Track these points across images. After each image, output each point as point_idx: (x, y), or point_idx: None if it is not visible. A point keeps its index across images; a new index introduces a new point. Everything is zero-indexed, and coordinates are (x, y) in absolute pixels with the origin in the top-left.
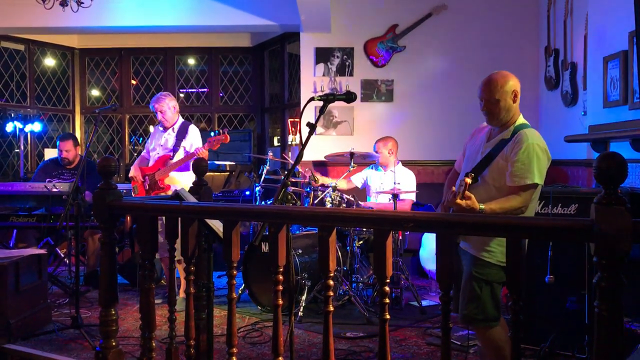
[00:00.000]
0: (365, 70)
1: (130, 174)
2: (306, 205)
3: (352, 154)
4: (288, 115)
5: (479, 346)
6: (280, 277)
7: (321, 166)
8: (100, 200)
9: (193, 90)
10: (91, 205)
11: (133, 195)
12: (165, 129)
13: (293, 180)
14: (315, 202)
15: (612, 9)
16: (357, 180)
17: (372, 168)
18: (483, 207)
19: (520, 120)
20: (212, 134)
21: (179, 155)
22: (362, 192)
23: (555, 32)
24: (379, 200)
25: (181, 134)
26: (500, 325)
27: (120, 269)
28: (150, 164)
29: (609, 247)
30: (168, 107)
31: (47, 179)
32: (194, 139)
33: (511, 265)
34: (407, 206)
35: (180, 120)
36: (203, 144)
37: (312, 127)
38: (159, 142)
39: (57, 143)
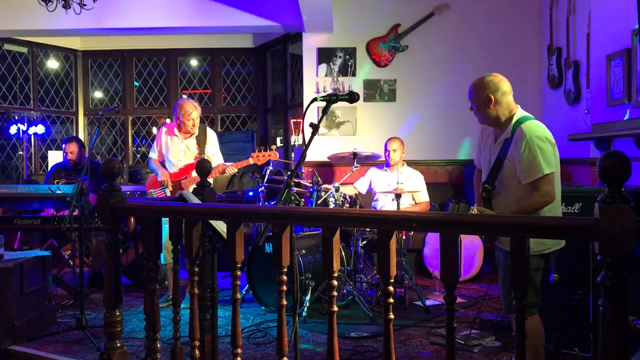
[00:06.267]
0: (368, 70)
1: (161, 179)
2: (309, 205)
3: (355, 154)
4: (291, 116)
5: (483, 346)
6: (284, 278)
7: (324, 167)
8: (104, 202)
9: (196, 91)
10: (95, 207)
11: None
12: (188, 135)
13: (296, 180)
14: (319, 202)
15: (615, 7)
16: (362, 186)
17: (376, 168)
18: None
19: (518, 114)
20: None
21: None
22: (366, 195)
23: (558, 31)
24: (384, 202)
25: (202, 140)
26: (537, 317)
27: (124, 270)
28: (173, 170)
29: (613, 246)
30: (200, 114)
31: (55, 182)
32: (214, 144)
33: (515, 264)
34: (426, 208)
35: None
36: (247, 157)
37: (314, 128)
38: (180, 149)
39: (62, 146)
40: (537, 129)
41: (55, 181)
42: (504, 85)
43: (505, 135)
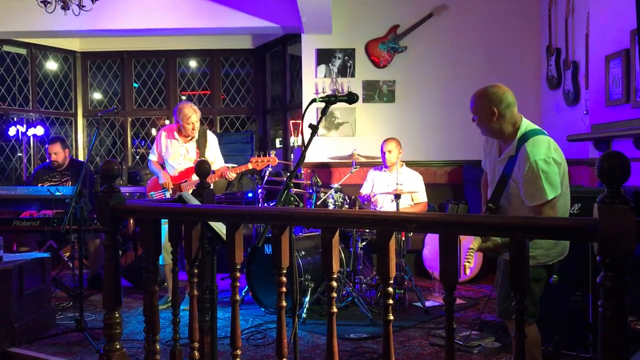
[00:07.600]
0: (367, 71)
1: (162, 181)
2: (309, 206)
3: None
4: (290, 117)
5: (483, 346)
6: (284, 279)
7: (323, 168)
8: (103, 203)
9: (195, 92)
10: (93, 208)
11: None
12: (188, 139)
13: (296, 181)
14: (318, 203)
15: (614, 8)
16: (367, 188)
17: (376, 169)
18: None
19: (523, 128)
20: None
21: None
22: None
23: (556, 31)
24: (384, 203)
25: (202, 143)
26: (534, 325)
27: (123, 272)
28: (173, 173)
29: (612, 246)
30: (199, 117)
31: (39, 184)
32: (215, 147)
33: (515, 265)
34: (423, 208)
35: None
36: (246, 158)
37: (314, 129)
38: (180, 153)
39: (46, 147)
40: (540, 150)
41: (39, 184)
42: (508, 97)
43: (509, 152)
